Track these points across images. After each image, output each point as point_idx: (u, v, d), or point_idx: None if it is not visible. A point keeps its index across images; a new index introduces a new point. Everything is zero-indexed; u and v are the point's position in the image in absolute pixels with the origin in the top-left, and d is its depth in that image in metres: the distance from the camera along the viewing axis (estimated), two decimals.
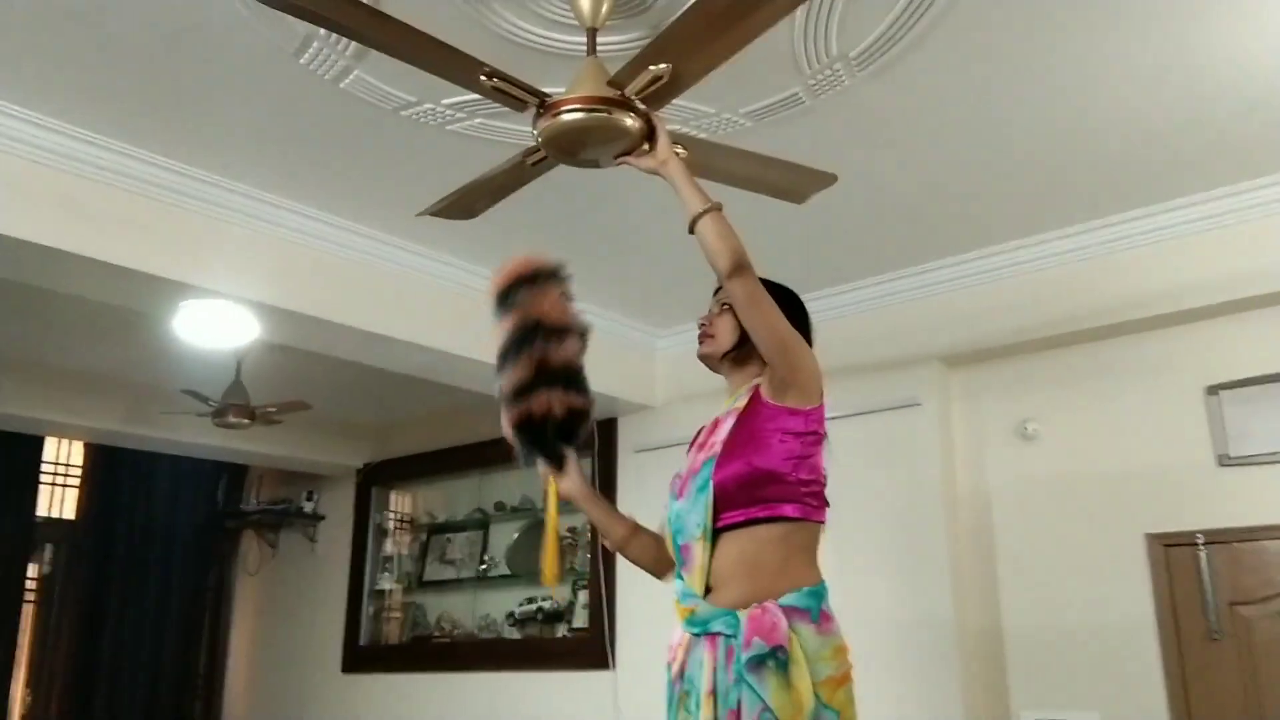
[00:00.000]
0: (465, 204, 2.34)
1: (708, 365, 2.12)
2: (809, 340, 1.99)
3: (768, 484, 1.88)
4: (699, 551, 1.90)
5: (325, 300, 3.31)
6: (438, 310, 3.67)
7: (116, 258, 2.79)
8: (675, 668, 1.94)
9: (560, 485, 2.12)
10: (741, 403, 2.00)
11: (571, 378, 2.04)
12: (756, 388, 1.99)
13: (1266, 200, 3.10)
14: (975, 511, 3.66)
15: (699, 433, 2.11)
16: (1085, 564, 3.37)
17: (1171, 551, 3.21)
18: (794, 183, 2.36)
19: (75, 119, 2.69)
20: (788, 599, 1.83)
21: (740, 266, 1.82)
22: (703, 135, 2.61)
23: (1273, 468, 3.09)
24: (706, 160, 2.18)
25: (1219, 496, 3.17)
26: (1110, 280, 3.36)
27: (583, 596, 4.74)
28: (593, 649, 4.53)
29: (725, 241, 1.82)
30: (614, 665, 4.43)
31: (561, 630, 4.86)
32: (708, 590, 1.90)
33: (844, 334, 3.73)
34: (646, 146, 1.95)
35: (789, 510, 1.89)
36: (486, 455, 5.25)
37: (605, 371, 4.35)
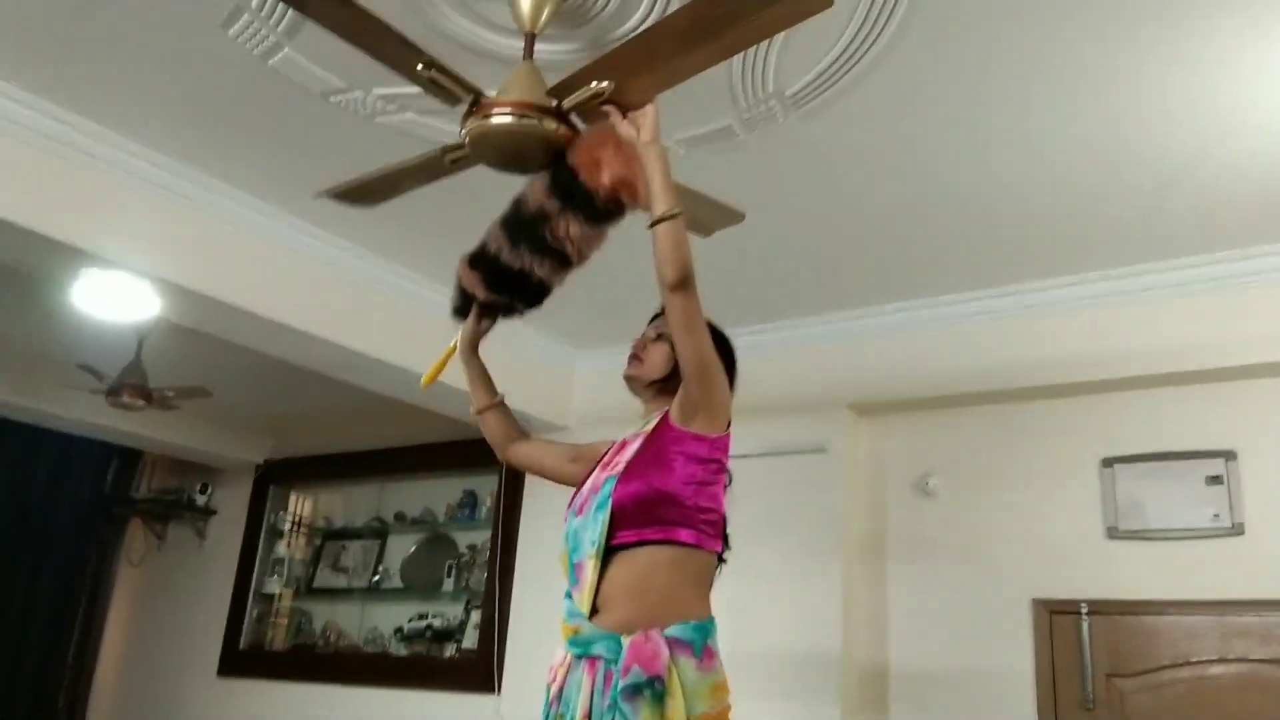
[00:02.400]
0: (369, 190, 2.27)
1: (630, 387, 2.10)
2: (731, 384, 2.02)
3: (665, 505, 1.86)
4: (589, 570, 1.87)
5: (232, 283, 3.19)
6: (350, 306, 3.58)
7: (8, 211, 2.65)
8: (554, 688, 1.90)
9: (467, 330, 2.21)
10: (650, 425, 2.00)
11: (568, 257, 1.99)
12: (665, 412, 1.97)
13: (1179, 282, 3.19)
14: (871, 557, 3.68)
15: (604, 454, 2.08)
16: (972, 620, 3.40)
17: (1056, 618, 3.26)
18: (703, 215, 2.34)
19: None
20: (673, 630, 1.81)
21: (687, 281, 1.79)
22: None
23: (1157, 544, 3.17)
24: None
25: (1105, 568, 3.23)
26: (1023, 344, 3.43)
27: (476, 616, 4.63)
28: (480, 671, 4.42)
29: (680, 251, 1.78)
30: (499, 689, 4.33)
31: (450, 650, 4.74)
32: (594, 611, 1.86)
33: (758, 373, 3.62)
34: (630, 119, 1.83)
35: (684, 535, 1.86)
36: (390, 463, 5.15)
37: (519, 387, 4.26)
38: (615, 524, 1.86)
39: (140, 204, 2.97)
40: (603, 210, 1.90)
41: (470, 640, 4.64)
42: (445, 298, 3.83)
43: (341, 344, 3.54)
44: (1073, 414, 3.44)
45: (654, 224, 1.79)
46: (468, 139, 1.94)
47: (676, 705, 1.73)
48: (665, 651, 1.76)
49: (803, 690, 3.46)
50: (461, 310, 2.18)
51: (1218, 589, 3.01)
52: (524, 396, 4.22)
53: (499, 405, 2.29)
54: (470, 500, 4.93)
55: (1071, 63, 2.29)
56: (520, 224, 1.97)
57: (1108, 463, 3.32)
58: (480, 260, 2.05)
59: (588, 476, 2.05)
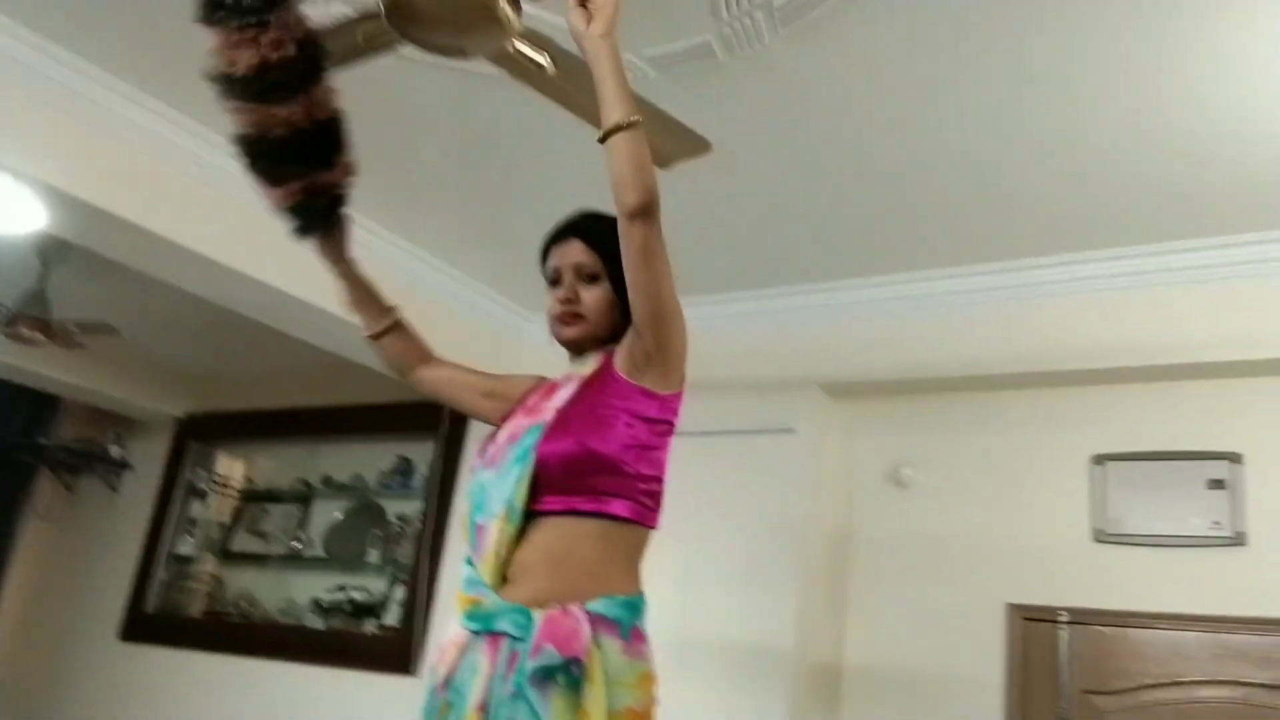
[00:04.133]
0: None
1: (571, 350, 1.72)
2: None
3: (601, 473, 1.53)
4: (494, 533, 1.54)
5: (137, 200, 2.80)
6: (283, 244, 3.18)
7: None
8: (442, 672, 1.54)
9: (327, 250, 1.76)
10: (587, 369, 1.65)
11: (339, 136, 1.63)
12: (608, 356, 1.63)
13: (1188, 267, 2.91)
14: (835, 548, 3.37)
15: (526, 394, 1.74)
16: (939, 622, 3.11)
17: (1031, 626, 2.96)
18: (665, 141, 1.99)
19: None
20: (597, 605, 1.48)
21: (651, 207, 1.45)
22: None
23: (1148, 550, 2.88)
24: (573, 80, 1.81)
25: (1090, 574, 2.94)
26: (1014, 328, 3.14)
27: (400, 592, 4.27)
28: (399, 651, 4.07)
29: (642, 170, 1.44)
30: (416, 672, 3.98)
31: (370, 626, 4.37)
32: (503, 581, 1.53)
33: (725, 345, 3.41)
34: (587, 5, 1.47)
35: (619, 508, 1.54)
36: (321, 423, 4.77)
37: (465, 351, 3.92)
38: (536, 486, 1.52)
39: (25, 99, 2.58)
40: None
41: (392, 617, 4.28)
42: (391, 244, 3.57)
43: (270, 284, 3.15)
44: (1064, 406, 3.15)
45: (606, 136, 1.44)
46: (383, 5, 1.58)
47: (596, 695, 1.41)
48: (587, 629, 1.44)
49: (750, 684, 3.14)
50: (301, 228, 1.72)
51: (1214, 604, 2.72)
52: (471, 358, 3.86)
53: (395, 326, 1.83)
54: (405, 468, 4.56)
55: (1081, 41, 2.08)
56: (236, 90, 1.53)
57: (1099, 460, 3.03)
58: (244, 157, 1.61)
59: (506, 419, 1.70)
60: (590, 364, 1.66)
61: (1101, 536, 2.96)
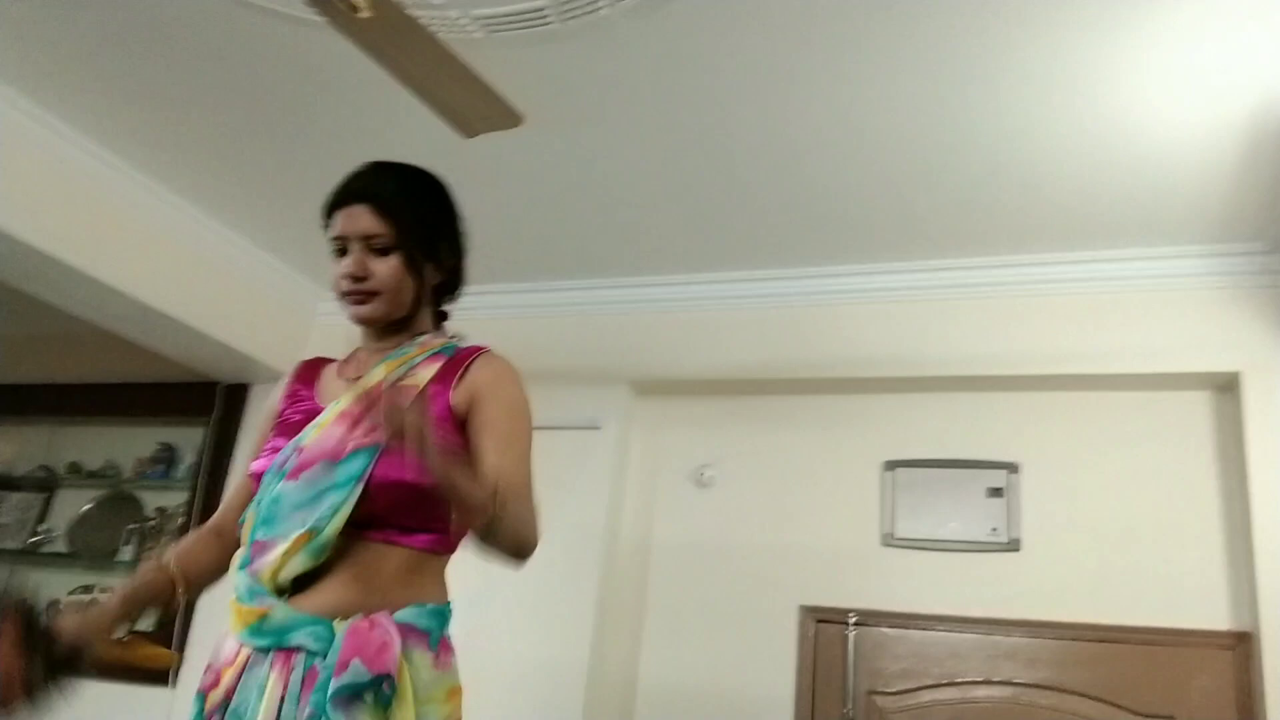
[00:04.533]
0: None
1: (366, 327, 1.53)
2: (463, 239, 1.58)
3: (426, 505, 1.36)
4: (283, 553, 1.35)
5: None
6: (30, 189, 2.78)
7: None
8: (217, 696, 1.34)
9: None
10: (420, 377, 1.46)
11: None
12: (446, 375, 1.47)
13: (977, 283, 3.06)
14: (636, 551, 3.31)
15: (310, 372, 1.57)
16: (736, 625, 3.10)
17: (822, 627, 3.01)
18: (474, 109, 1.84)
19: None
20: (405, 614, 1.33)
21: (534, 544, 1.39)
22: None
23: (933, 554, 2.99)
24: (393, 37, 1.64)
25: (878, 577, 3.02)
26: (813, 333, 3.21)
27: None
28: None
29: (523, 543, 1.37)
30: (175, 684, 3.61)
31: (122, 631, 3.92)
32: (295, 590, 1.35)
33: (533, 338, 3.26)
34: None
35: (429, 542, 1.42)
36: (67, 401, 4.25)
37: (247, 325, 3.61)
38: (359, 517, 1.35)
39: None
40: None
41: (148, 622, 3.85)
42: (163, 199, 3.19)
43: (8, 234, 2.72)
44: (859, 412, 3.23)
45: (480, 541, 1.31)
46: None
47: (406, 714, 1.27)
48: (397, 642, 1.29)
49: (542, 700, 3.03)
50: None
51: (990, 606, 2.86)
52: (248, 336, 3.56)
53: (185, 577, 1.47)
54: (167, 455, 4.13)
55: (907, 48, 2.12)
56: None
57: (890, 466, 3.12)
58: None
59: (297, 422, 1.49)
60: (420, 366, 1.48)
61: (890, 540, 3.05)
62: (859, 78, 2.25)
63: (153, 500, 4.12)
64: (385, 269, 1.46)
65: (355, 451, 1.37)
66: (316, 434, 1.42)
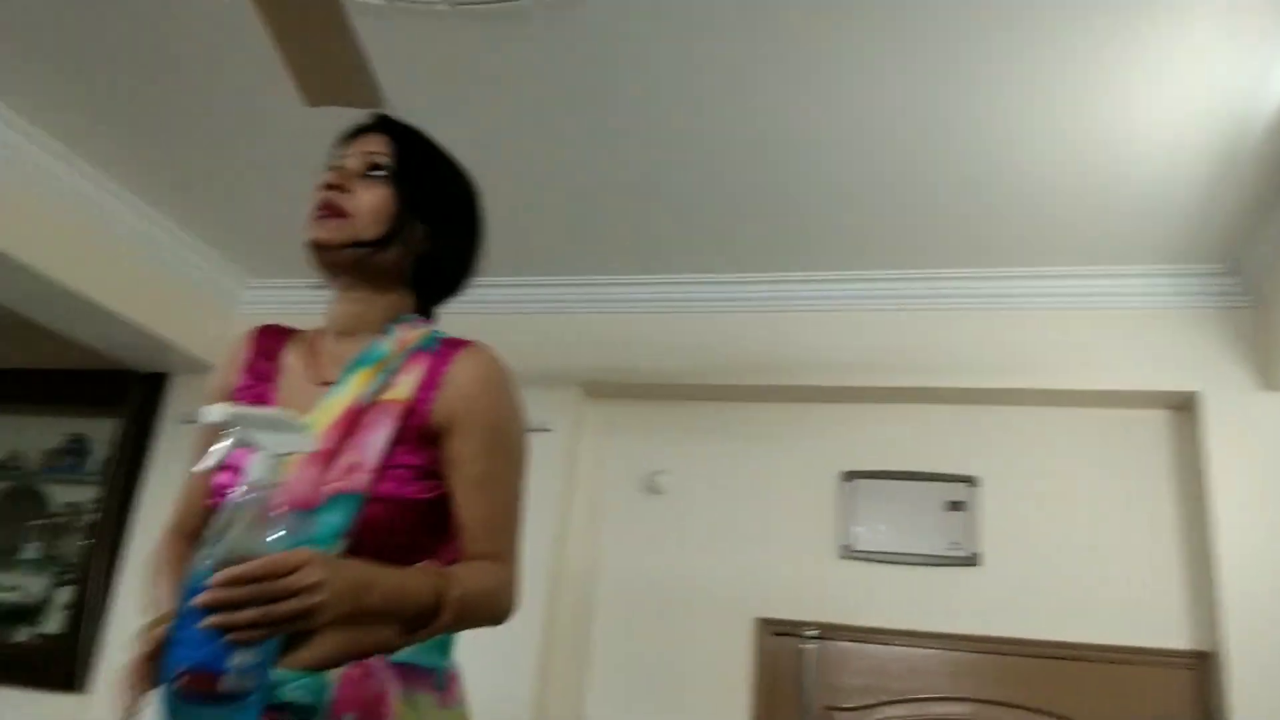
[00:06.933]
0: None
1: (316, 259, 1.33)
2: (478, 246, 1.48)
3: (426, 534, 1.26)
4: None
5: None
6: None
7: None
8: None
9: None
10: (401, 389, 1.27)
11: None
12: (428, 383, 1.27)
13: (938, 294, 3.03)
14: (585, 559, 3.18)
15: (270, 345, 1.38)
16: (689, 637, 3.01)
17: (778, 641, 2.95)
18: (334, 76, 1.62)
19: None
20: (403, 654, 1.17)
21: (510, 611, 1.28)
22: None
23: (892, 568, 2.95)
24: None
25: (836, 590, 2.96)
26: (770, 340, 3.13)
27: (67, 594, 3.60)
28: (62, 663, 3.42)
29: (495, 610, 1.25)
30: (85, 688, 3.38)
31: (24, 634, 3.66)
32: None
33: (484, 336, 3.09)
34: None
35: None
36: None
37: (167, 310, 3.36)
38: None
39: None
40: None
41: (55, 624, 3.60)
42: (79, 170, 2.92)
43: None
44: (817, 421, 3.16)
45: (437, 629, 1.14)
46: None
47: None
48: (396, 689, 1.15)
49: None
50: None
51: (950, 622, 2.83)
52: (166, 323, 3.32)
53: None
54: (77, 447, 3.85)
55: (884, 48, 2.06)
56: None
57: (848, 477, 3.07)
58: None
59: (245, 394, 1.31)
60: (401, 382, 1.27)
61: (847, 553, 2.99)
62: (828, 78, 2.16)
63: (60, 495, 3.84)
64: (369, 195, 1.31)
65: (335, 499, 1.18)
66: (300, 478, 1.22)
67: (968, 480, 2.96)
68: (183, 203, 3.09)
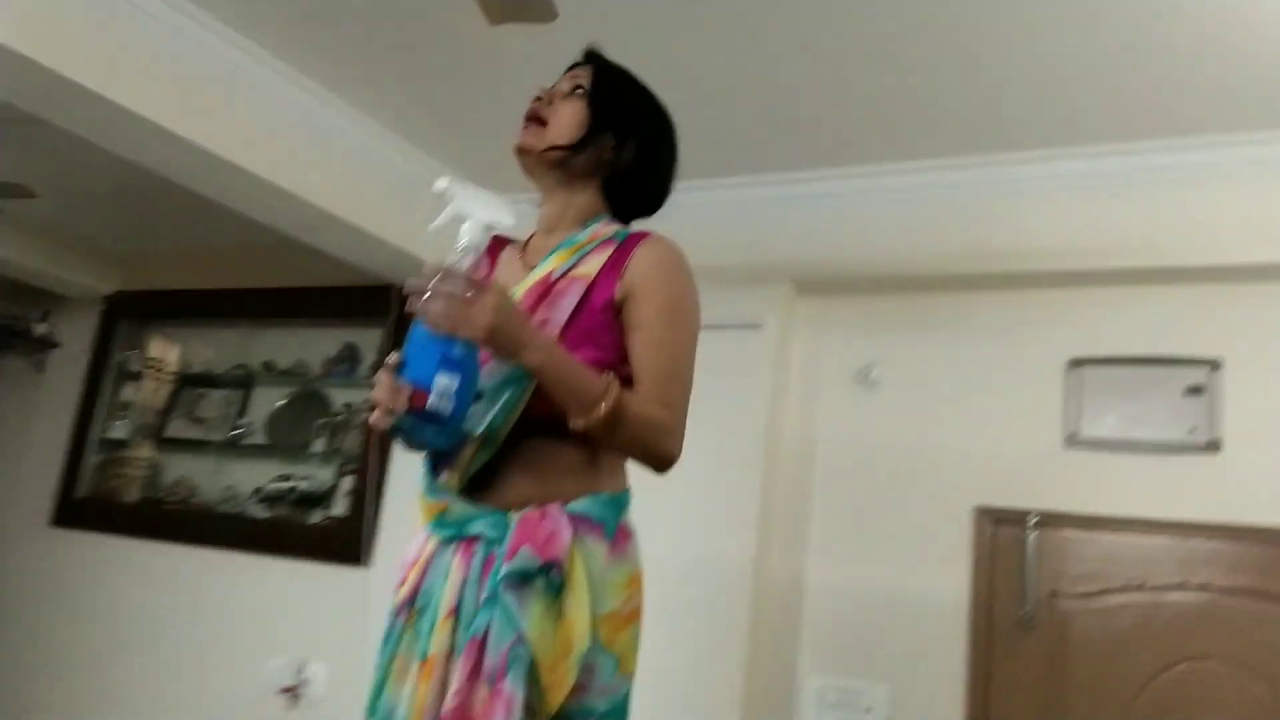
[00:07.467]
0: None
1: (523, 164, 1.58)
2: (667, 163, 1.64)
3: None
4: (469, 451, 1.39)
5: (57, 47, 2.50)
6: (223, 105, 2.91)
7: None
8: (404, 592, 1.41)
9: None
10: (590, 267, 1.46)
11: None
12: (614, 264, 1.46)
13: (1169, 166, 2.80)
14: (798, 452, 3.28)
15: (493, 248, 1.60)
16: (906, 528, 3.05)
17: (999, 529, 2.93)
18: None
19: None
20: (578, 505, 1.37)
21: (678, 449, 1.47)
22: None
23: (1122, 456, 2.84)
24: None
25: (1061, 478, 2.90)
26: (990, 226, 3.01)
27: (349, 482, 4.13)
28: (348, 541, 3.95)
29: (649, 443, 1.42)
30: (369, 561, 3.88)
31: (317, 516, 4.23)
32: (474, 487, 1.40)
33: (692, 235, 3.20)
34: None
35: None
36: (261, 305, 4.53)
37: (418, 234, 3.71)
38: (530, 412, 1.38)
39: None
40: None
41: (341, 508, 4.14)
42: (352, 120, 3.28)
43: (206, 148, 2.84)
44: (1039, 309, 3.05)
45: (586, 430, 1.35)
46: None
47: (579, 601, 1.31)
48: (567, 532, 1.33)
49: (709, 596, 3.08)
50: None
51: (1185, 510, 2.70)
52: (424, 243, 3.64)
53: None
54: (350, 354, 4.36)
55: None
56: None
57: (1075, 364, 2.96)
58: None
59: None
60: (591, 256, 1.48)
61: (1074, 441, 2.91)
62: None
63: (339, 396, 4.37)
64: (567, 108, 1.55)
65: None
66: None
67: (1210, 363, 2.78)
68: (439, 144, 3.39)
